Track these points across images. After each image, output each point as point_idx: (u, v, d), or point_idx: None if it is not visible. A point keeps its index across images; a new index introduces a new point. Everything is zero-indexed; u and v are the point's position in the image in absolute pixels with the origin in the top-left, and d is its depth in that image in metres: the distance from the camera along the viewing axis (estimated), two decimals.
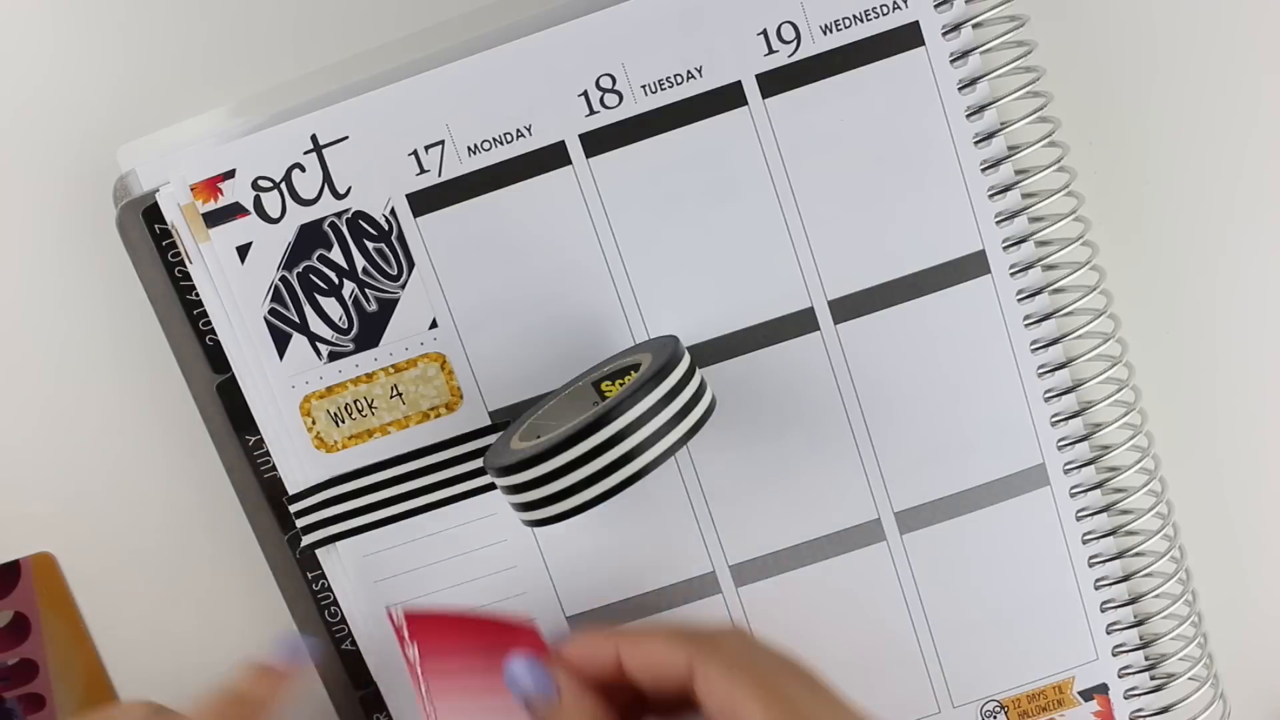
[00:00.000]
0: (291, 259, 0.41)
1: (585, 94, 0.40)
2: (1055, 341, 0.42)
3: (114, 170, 0.42)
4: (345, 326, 0.41)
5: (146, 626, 0.47)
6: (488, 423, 0.42)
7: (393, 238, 0.41)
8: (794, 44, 0.40)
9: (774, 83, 0.40)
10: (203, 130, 0.42)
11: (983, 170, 0.41)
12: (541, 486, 0.35)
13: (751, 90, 0.40)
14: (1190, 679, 0.43)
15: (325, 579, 0.44)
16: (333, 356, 0.42)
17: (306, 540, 0.43)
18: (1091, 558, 0.43)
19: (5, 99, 0.44)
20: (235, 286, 0.41)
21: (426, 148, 0.40)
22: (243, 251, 0.41)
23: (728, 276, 0.41)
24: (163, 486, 0.46)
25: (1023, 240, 0.41)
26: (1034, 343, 0.42)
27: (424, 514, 0.42)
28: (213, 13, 0.43)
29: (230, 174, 0.40)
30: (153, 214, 0.41)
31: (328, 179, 0.40)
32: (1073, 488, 0.43)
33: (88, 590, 0.46)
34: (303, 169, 0.40)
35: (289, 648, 0.42)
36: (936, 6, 0.40)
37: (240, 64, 0.43)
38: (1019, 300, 0.41)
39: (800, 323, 0.41)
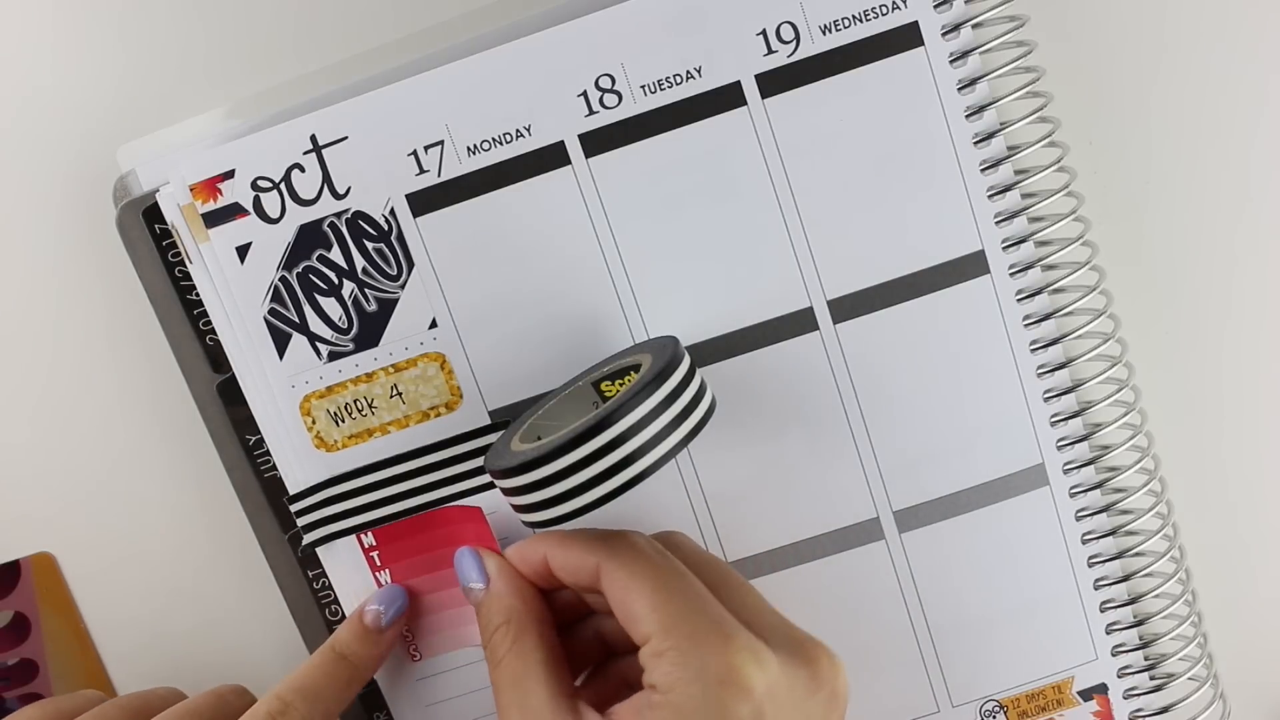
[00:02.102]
0: (291, 259, 0.41)
1: (585, 94, 0.40)
2: (1055, 341, 0.42)
3: (114, 170, 0.42)
4: (345, 326, 0.41)
5: (146, 626, 0.47)
6: (487, 422, 0.42)
7: (392, 238, 0.41)
8: (793, 44, 0.40)
9: (773, 83, 0.40)
10: (202, 130, 0.42)
11: (982, 170, 0.41)
12: (542, 489, 0.35)
13: (751, 90, 0.40)
14: (1190, 679, 0.43)
15: (326, 578, 0.44)
16: (333, 356, 0.42)
17: (307, 539, 0.43)
18: (1091, 558, 0.43)
19: (5, 99, 0.44)
20: (235, 287, 0.41)
21: (426, 148, 0.40)
22: (242, 252, 0.41)
23: (727, 276, 0.41)
24: (163, 486, 0.46)
25: (1022, 240, 0.41)
26: (1033, 343, 0.42)
27: (424, 513, 0.42)
28: (213, 13, 0.43)
29: (229, 174, 0.40)
30: (153, 214, 0.41)
31: (327, 179, 0.40)
32: (1072, 488, 0.43)
33: (88, 590, 0.46)
34: (302, 169, 0.40)
35: (388, 604, 0.42)
36: (936, 7, 0.40)
37: (240, 64, 0.43)
38: (1018, 300, 0.41)
39: (799, 322, 0.41)
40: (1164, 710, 0.44)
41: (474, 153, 0.40)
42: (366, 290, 0.41)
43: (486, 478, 0.42)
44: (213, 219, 0.41)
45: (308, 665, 0.40)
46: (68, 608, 0.46)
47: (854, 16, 0.40)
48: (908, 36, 0.40)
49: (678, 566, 0.36)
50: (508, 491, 0.36)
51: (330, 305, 0.41)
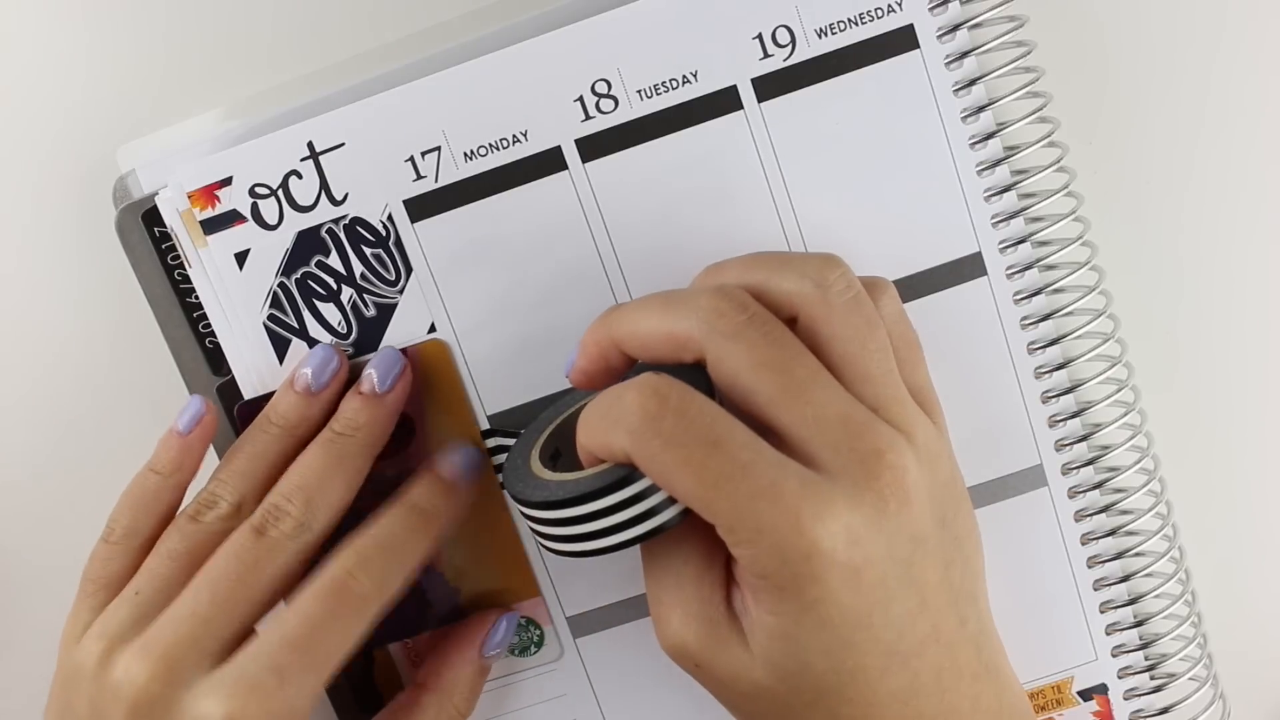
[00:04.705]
0: (289, 265, 0.41)
1: (581, 99, 0.40)
2: (1054, 342, 0.42)
3: (114, 170, 0.42)
4: (344, 331, 0.42)
5: None
6: (486, 427, 0.42)
7: (390, 243, 0.41)
8: (789, 48, 0.40)
9: (769, 86, 0.40)
10: (204, 131, 0.42)
11: (979, 172, 0.41)
12: (569, 526, 0.34)
13: (747, 94, 0.40)
14: (1190, 679, 0.43)
15: None
16: None
17: None
18: (1091, 558, 0.43)
19: (5, 99, 0.44)
20: (234, 293, 0.41)
21: (423, 154, 0.40)
22: (240, 259, 0.41)
23: None
24: None
25: (1020, 241, 0.41)
26: (1032, 344, 0.42)
27: None
28: (213, 13, 0.43)
29: (227, 181, 0.40)
30: (152, 217, 0.42)
31: (325, 186, 0.41)
32: (1071, 488, 0.43)
33: None
34: (300, 176, 0.40)
35: (466, 462, 0.41)
36: (931, 9, 0.39)
37: (241, 64, 0.43)
38: (1016, 302, 0.41)
39: None
40: (1164, 711, 0.44)
41: (471, 158, 0.40)
42: (365, 296, 0.41)
43: None
44: (210, 226, 0.41)
45: (384, 522, 0.38)
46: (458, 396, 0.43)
47: (850, 20, 0.39)
48: (903, 39, 0.40)
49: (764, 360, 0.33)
50: (528, 517, 0.36)
51: (329, 311, 0.41)
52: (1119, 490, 0.43)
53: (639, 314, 0.35)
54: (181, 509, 0.39)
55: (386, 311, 0.41)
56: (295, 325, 0.41)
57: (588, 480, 0.34)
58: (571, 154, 0.40)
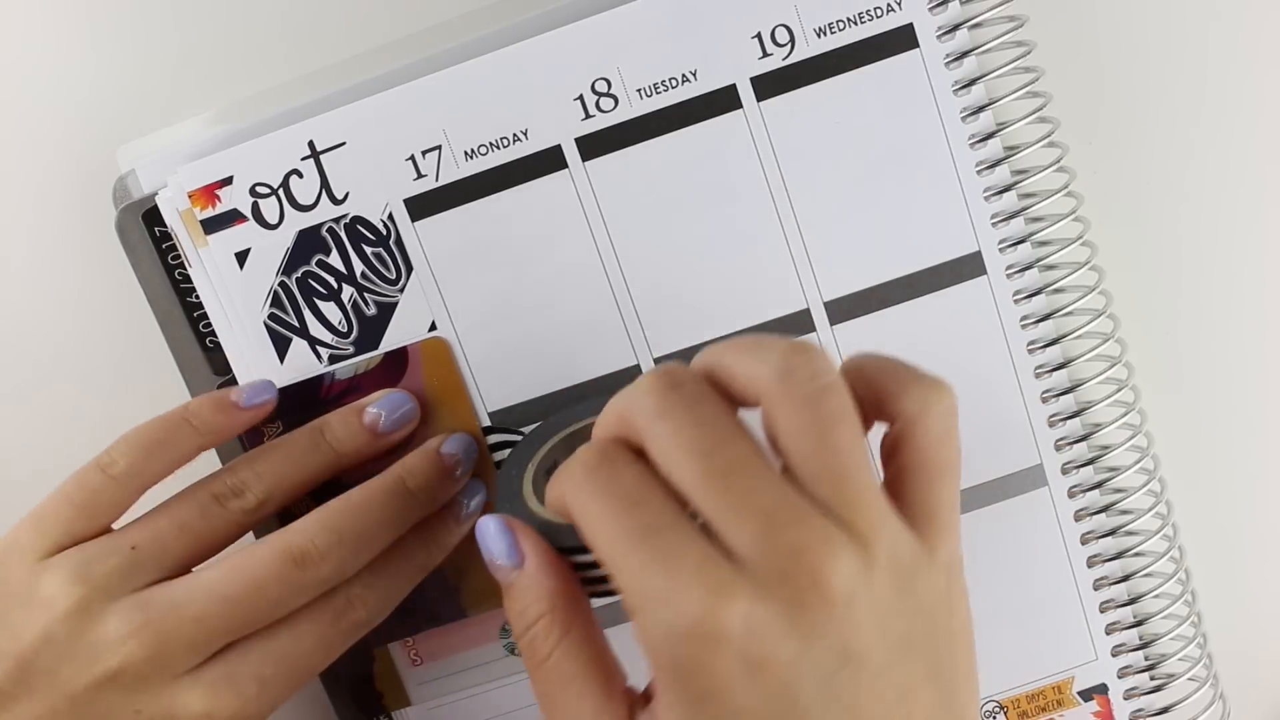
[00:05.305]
0: (290, 264, 0.41)
1: (581, 98, 0.40)
2: (1054, 342, 0.42)
3: (114, 170, 0.42)
4: (345, 330, 0.42)
5: None
6: (487, 424, 0.42)
7: (391, 242, 0.41)
8: (788, 47, 0.40)
9: (768, 86, 0.40)
10: (203, 131, 0.42)
11: (979, 171, 0.41)
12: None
13: (746, 93, 0.40)
14: (1190, 679, 0.43)
15: None
16: (333, 359, 0.42)
17: None
18: (1090, 558, 0.43)
19: (5, 99, 0.44)
20: (234, 292, 0.41)
21: (424, 153, 0.41)
22: (241, 258, 0.41)
23: (724, 279, 0.41)
24: (163, 490, 0.46)
25: (1020, 241, 0.41)
26: (1031, 343, 0.42)
27: None
28: (213, 13, 0.43)
29: (228, 181, 0.40)
30: (153, 216, 0.42)
31: (325, 185, 0.41)
32: (1071, 488, 0.43)
33: None
34: (300, 175, 0.41)
35: (478, 502, 0.41)
36: (931, 9, 0.39)
37: (241, 65, 0.44)
38: (1016, 301, 0.41)
39: (796, 324, 0.41)
40: (1164, 710, 0.44)
41: (471, 157, 0.41)
42: (366, 294, 0.41)
43: None
44: (211, 225, 0.41)
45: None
46: (456, 389, 0.43)
47: (849, 19, 0.40)
48: (903, 38, 0.40)
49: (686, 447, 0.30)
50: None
51: (330, 309, 0.41)
52: (1119, 490, 0.43)
53: (608, 404, 0.33)
54: (203, 481, 0.39)
55: (387, 310, 0.41)
56: (296, 324, 0.42)
57: (554, 531, 0.34)
58: (571, 152, 0.40)
